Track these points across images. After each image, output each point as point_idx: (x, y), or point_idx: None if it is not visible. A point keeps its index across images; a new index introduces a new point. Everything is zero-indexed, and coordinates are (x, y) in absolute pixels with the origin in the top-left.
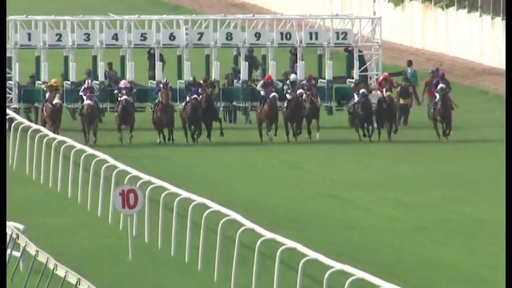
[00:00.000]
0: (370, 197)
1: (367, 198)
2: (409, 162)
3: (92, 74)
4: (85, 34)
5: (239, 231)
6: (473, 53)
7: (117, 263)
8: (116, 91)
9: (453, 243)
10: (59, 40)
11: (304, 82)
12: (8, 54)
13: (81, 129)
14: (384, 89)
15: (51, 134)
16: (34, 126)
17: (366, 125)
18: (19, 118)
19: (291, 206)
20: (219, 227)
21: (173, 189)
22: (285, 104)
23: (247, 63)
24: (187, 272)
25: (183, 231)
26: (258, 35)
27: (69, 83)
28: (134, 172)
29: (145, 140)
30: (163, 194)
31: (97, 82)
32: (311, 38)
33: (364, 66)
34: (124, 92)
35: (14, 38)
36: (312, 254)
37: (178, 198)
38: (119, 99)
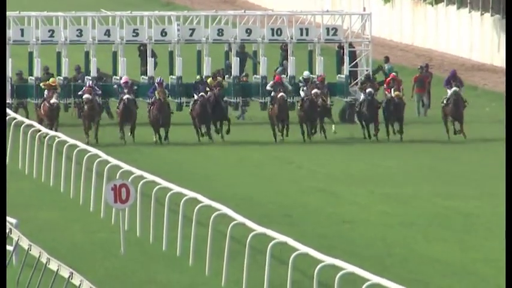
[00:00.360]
0: (362, 192)
1: (358, 193)
2: (400, 158)
3: (84, 69)
4: (77, 30)
5: (230, 226)
6: (463, 48)
7: (109, 257)
8: (115, 86)
9: (443, 238)
10: (51, 36)
11: (315, 81)
12: None
13: (83, 128)
14: (392, 89)
15: (43, 129)
16: (27, 121)
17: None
18: (12, 113)
19: (283, 201)
20: (211, 221)
21: (165, 183)
22: (299, 103)
23: (238, 58)
24: (178, 266)
25: (174, 226)
26: (249, 31)
27: (61, 78)
28: (126, 167)
29: (138, 137)
30: (155, 189)
31: (61, 78)
32: (301, 34)
33: (354, 62)
34: (126, 90)
35: (7, 33)
36: (303, 248)
37: (170, 193)
38: (122, 97)
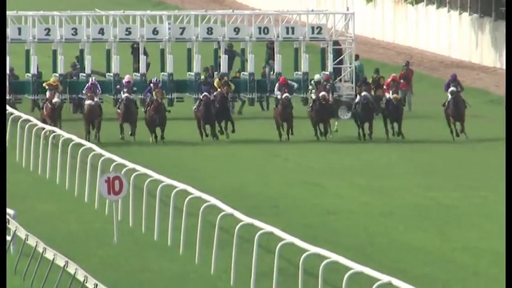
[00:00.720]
0: (346, 184)
1: (342, 185)
2: (383, 152)
3: (80, 66)
4: (72, 29)
5: (219, 216)
6: (442, 46)
7: (103, 246)
8: (118, 86)
9: (424, 228)
10: (47, 34)
11: (324, 83)
12: None
13: (84, 128)
14: (391, 91)
15: (40, 124)
16: (24, 116)
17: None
18: (9, 109)
19: (270, 193)
20: (200, 212)
21: (156, 176)
22: (310, 105)
23: (226, 56)
24: (169, 254)
25: (165, 216)
26: (237, 30)
27: (57, 75)
28: (119, 160)
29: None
30: (147, 181)
31: (56, 74)
32: (287, 33)
33: (338, 59)
34: (125, 89)
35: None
36: (289, 238)
37: (161, 185)
38: (121, 97)
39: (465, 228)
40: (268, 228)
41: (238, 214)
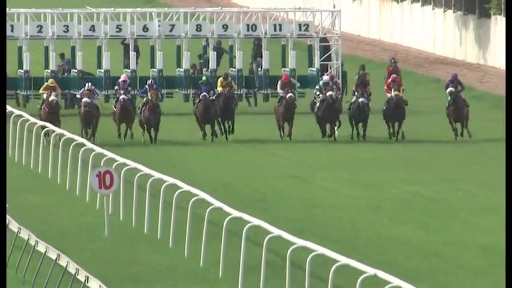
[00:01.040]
0: (332, 178)
1: (329, 179)
2: (371, 147)
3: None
4: (64, 26)
5: (208, 210)
6: (426, 43)
7: (94, 240)
8: (116, 87)
9: (408, 221)
10: (39, 31)
11: (331, 84)
12: None
13: (80, 130)
14: (392, 90)
15: (32, 119)
16: (16, 111)
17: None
18: None
19: (258, 187)
20: (189, 205)
21: (146, 170)
22: (317, 105)
23: (215, 53)
24: (159, 247)
25: (155, 210)
26: (225, 27)
27: (49, 71)
28: (110, 155)
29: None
30: (137, 175)
31: (48, 71)
32: (275, 30)
33: (325, 55)
34: (122, 91)
35: None
36: (276, 231)
37: (151, 179)
38: (118, 97)
39: (449, 222)
40: (256, 221)
41: (226, 208)
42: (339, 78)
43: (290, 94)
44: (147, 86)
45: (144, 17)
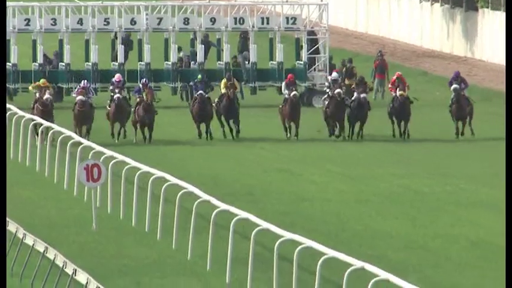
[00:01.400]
0: (320, 172)
1: (317, 173)
2: (362, 143)
3: (59, 56)
4: (52, 19)
5: (196, 203)
6: (414, 36)
7: (82, 232)
8: (111, 87)
9: (396, 214)
10: (27, 25)
11: (340, 82)
12: None
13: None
14: (397, 88)
15: (20, 113)
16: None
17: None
18: None
19: (246, 180)
20: (177, 199)
21: (134, 163)
22: (326, 103)
23: (203, 46)
24: (147, 240)
25: (143, 203)
26: (213, 20)
27: (36, 64)
28: (98, 148)
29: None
30: (125, 168)
31: (36, 64)
32: (263, 23)
33: (313, 48)
34: (117, 90)
35: None
36: (264, 224)
37: (139, 172)
38: (113, 96)
39: (437, 215)
40: (244, 214)
41: (214, 201)
42: (326, 71)
43: (294, 92)
44: (140, 85)
45: (131, 10)
